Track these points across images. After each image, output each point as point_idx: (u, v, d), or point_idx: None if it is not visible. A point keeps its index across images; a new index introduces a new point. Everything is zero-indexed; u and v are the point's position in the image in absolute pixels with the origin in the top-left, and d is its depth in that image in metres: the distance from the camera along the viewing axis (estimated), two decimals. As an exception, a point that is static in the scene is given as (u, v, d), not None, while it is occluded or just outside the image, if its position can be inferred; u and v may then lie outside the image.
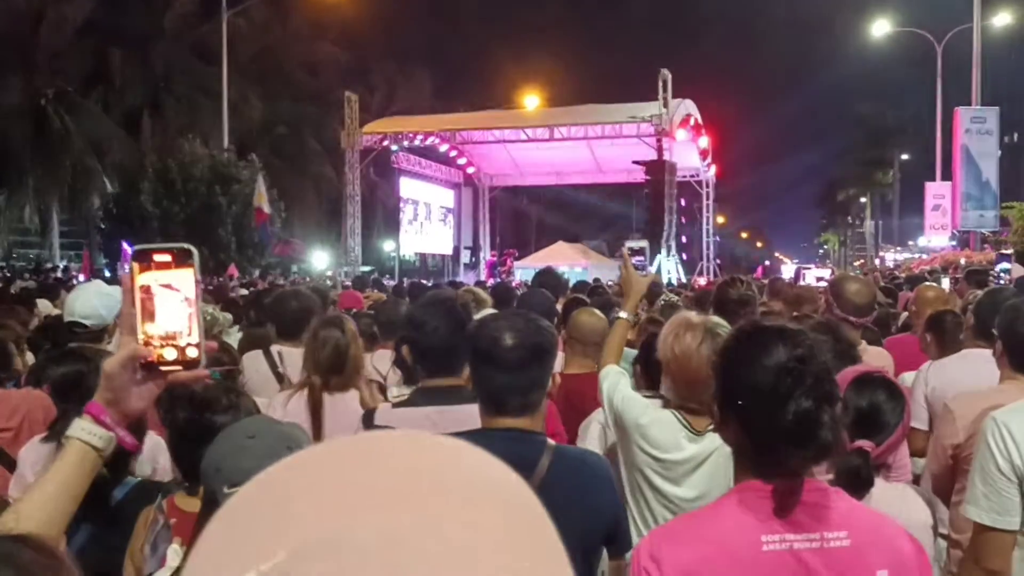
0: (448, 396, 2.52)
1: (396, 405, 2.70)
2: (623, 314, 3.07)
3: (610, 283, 10.21)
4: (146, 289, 1.23)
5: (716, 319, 2.54)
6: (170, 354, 1.25)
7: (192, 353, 1.25)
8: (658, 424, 2.50)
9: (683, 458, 2.45)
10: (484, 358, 2.09)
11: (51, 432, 2.60)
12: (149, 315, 1.24)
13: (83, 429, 1.26)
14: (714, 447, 2.40)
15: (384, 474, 0.40)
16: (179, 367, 1.26)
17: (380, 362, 4.15)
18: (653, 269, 19.97)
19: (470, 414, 2.14)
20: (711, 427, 2.41)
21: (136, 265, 1.22)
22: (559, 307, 5.06)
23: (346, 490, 0.39)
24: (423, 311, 2.65)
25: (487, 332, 2.11)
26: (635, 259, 3.39)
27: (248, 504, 0.40)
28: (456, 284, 10.51)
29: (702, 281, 20.39)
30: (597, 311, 4.11)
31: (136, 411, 1.28)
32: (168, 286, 1.23)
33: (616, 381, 2.73)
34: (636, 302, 3.24)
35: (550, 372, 2.18)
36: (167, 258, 1.23)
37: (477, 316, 2.67)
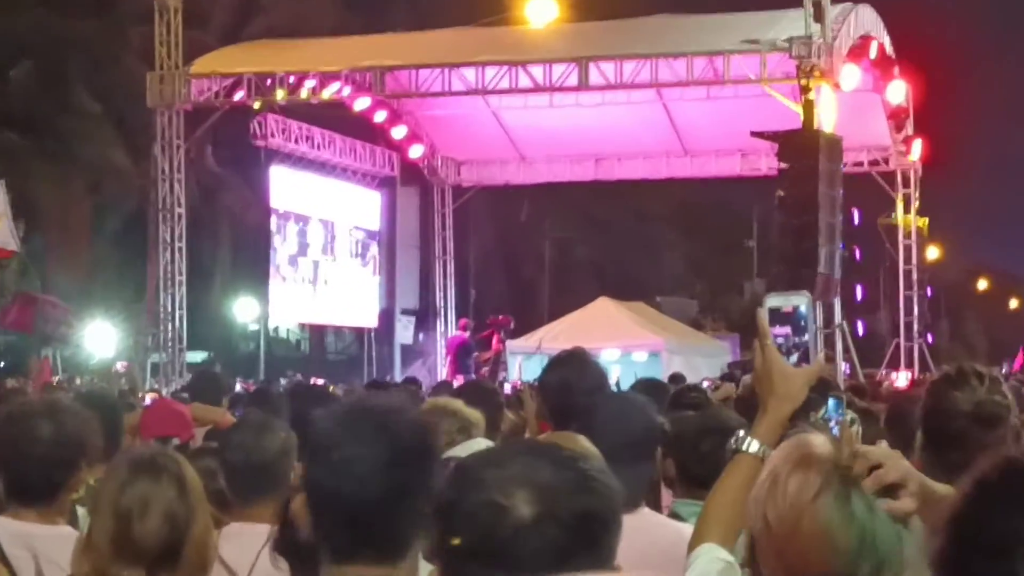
0: None
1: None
2: (753, 444, 3.24)
3: (709, 382, 10.33)
4: None
5: (878, 450, 2.67)
6: None
7: None
8: None
9: None
10: (476, 549, 2.16)
11: None
12: None
13: None
14: None
15: None
16: None
17: (232, 549, 4.39)
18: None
19: None
20: None
21: None
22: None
23: None
24: (333, 429, 2.84)
25: (484, 494, 2.17)
26: (778, 334, 3.63)
27: None
28: (380, 385, 11.35)
29: (901, 380, 20.96)
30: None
31: None
32: None
33: (710, 571, 2.97)
34: (782, 419, 3.36)
35: (613, 556, 2.25)
36: None
37: (457, 451, 2.97)
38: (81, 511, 4.80)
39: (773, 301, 4.49)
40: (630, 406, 5.12)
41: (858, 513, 2.47)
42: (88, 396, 7.55)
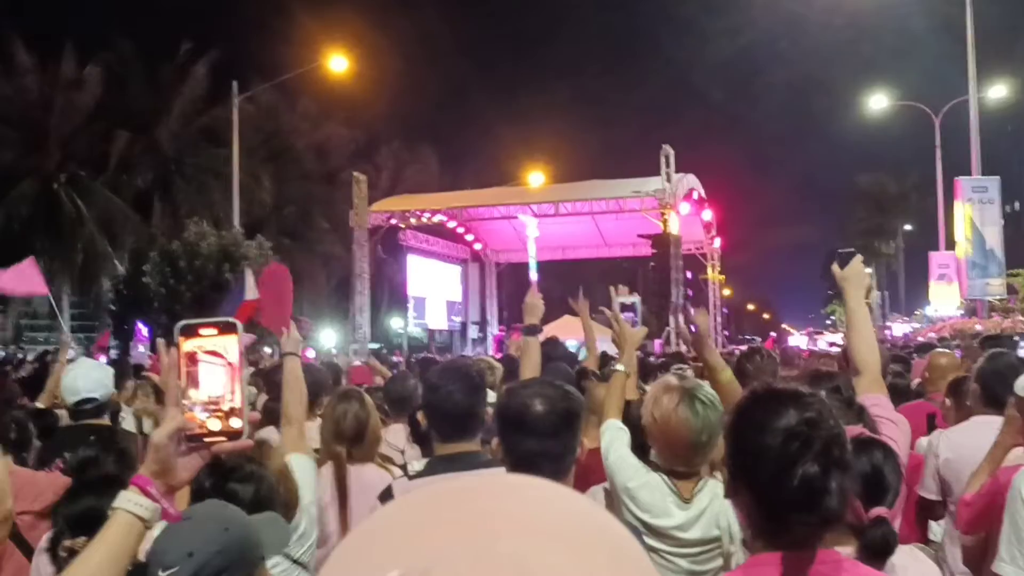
0: (465, 462, 4.39)
1: (413, 476, 4.74)
2: (619, 366, 5.21)
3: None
4: (191, 356, 2.34)
5: (697, 381, 4.43)
6: (215, 425, 2.31)
7: (236, 423, 2.31)
8: (647, 488, 4.41)
9: (672, 525, 4.31)
10: (515, 425, 3.67)
11: (53, 516, 4.72)
12: (193, 381, 2.34)
13: (130, 500, 2.36)
14: (701, 511, 4.29)
15: (494, 509, 0.87)
16: (223, 438, 2.35)
17: (394, 437, 7.28)
18: (665, 338, 34.56)
19: None
20: (699, 491, 4.26)
21: (182, 337, 2.36)
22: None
23: (445, 526, 0.84)
24: (439, 375, 4.70)
25: (517, 399, 3.68)
26: (626, 314, 6.16)
27: (356, 540, 0.90)
28: (464, 359, 13.27)
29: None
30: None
31: (181, 483, 2.44)
32: (213, 352, 2.32)
33: (613, 438, 4.84)
34: (632, 353, 5.59)
35: (579, 437, 3.79)
36: (212, 331, 2.35)
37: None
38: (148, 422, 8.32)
39: (619, 298, 7.08)
40: (562, 369, 7.61)
41: (700, 411, 4.03)
42: (326, 363, 12.16)
